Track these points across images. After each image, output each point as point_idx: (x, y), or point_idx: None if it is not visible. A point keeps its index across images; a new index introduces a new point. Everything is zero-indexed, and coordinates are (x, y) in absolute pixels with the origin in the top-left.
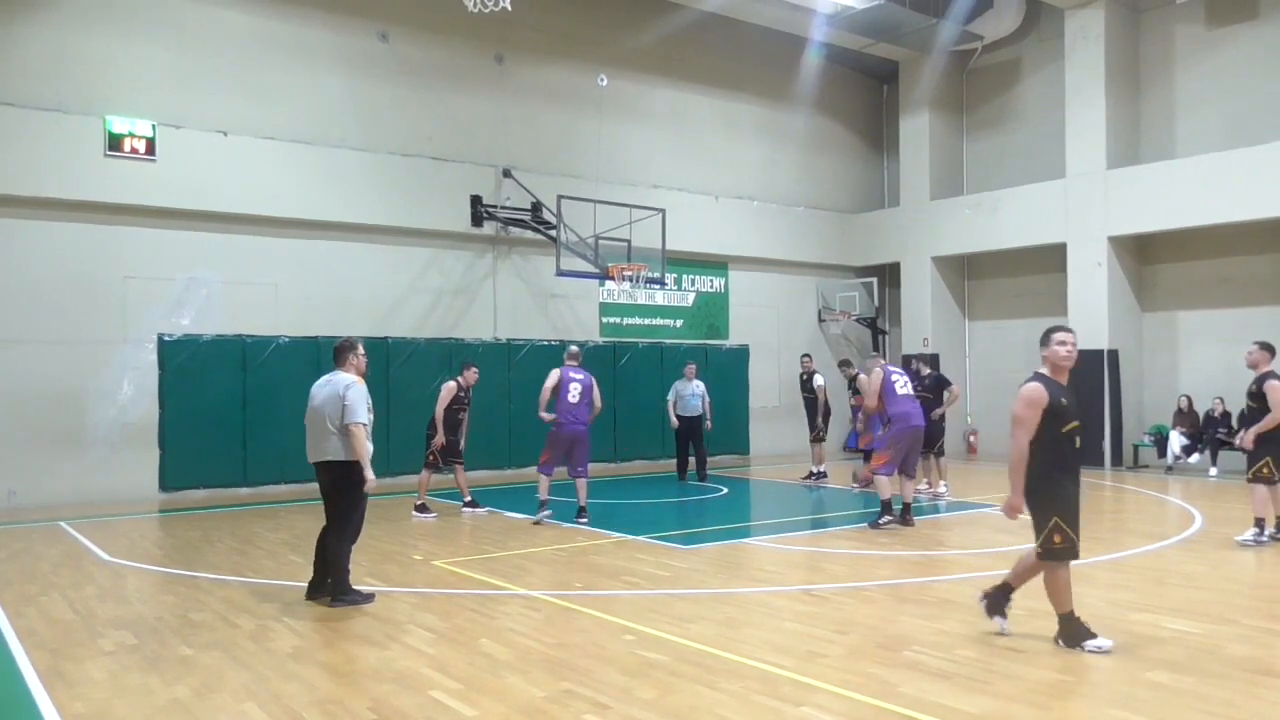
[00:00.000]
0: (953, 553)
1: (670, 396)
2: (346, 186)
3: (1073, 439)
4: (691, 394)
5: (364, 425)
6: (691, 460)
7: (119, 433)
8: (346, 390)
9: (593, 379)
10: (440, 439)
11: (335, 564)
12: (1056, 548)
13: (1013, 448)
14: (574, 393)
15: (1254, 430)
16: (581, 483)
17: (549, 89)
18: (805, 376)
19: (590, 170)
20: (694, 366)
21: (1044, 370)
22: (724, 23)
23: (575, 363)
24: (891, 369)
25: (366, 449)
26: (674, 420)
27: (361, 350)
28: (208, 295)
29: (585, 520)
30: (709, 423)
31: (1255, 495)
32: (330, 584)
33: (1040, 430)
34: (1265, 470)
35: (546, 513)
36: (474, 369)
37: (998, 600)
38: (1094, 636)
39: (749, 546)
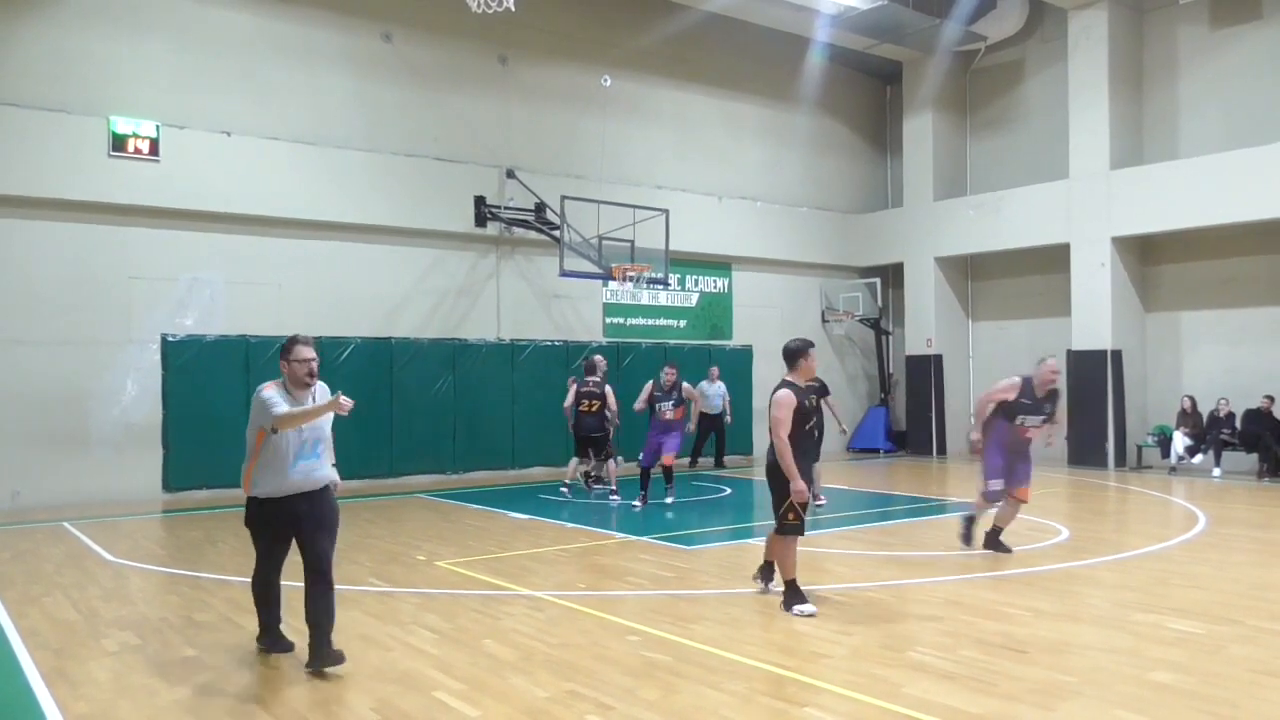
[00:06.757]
0: (956, 553)
1: None
2: (350, 187)
3: (812, 432)
4: (715, 394)
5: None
6: (706, 455)
7: (122, 433)
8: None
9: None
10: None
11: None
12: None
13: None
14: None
15: None
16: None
17: (552, 89)
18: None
19: (594, 171)
20: (717, 369)
21: (790, 378)
22: (727, 23)
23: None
24: None
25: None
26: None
27: (297, 352)
28: (211, 296)
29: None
30: (729, 418)
31: None
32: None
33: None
34: None
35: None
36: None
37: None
38: (805, 602)
39: (752, 547)
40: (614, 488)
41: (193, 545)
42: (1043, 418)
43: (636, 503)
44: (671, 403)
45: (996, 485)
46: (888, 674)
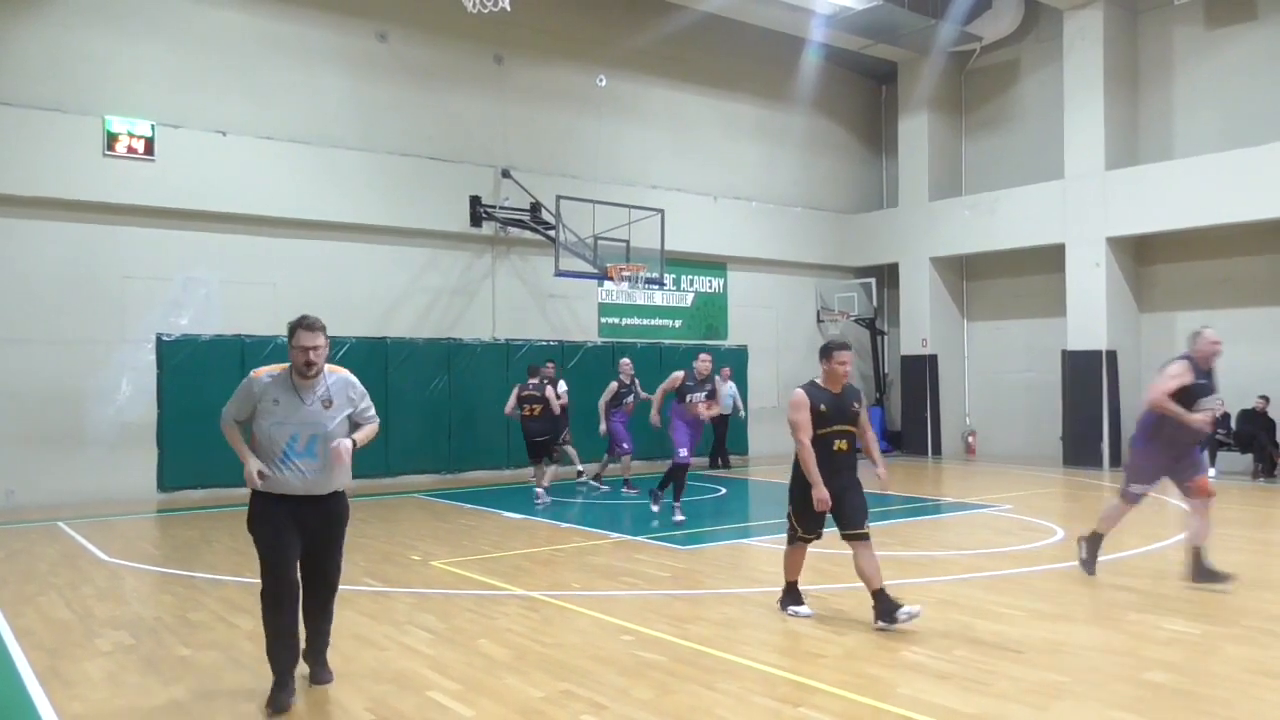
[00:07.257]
0: (951, 553)
1: None
2: (345, 186)
3: (830, 441)
4: (726, 393)
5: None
6: (704, 455)
7: (117, 432)
8: None
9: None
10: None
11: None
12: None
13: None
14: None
15: None
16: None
17: (548, 89)
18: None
19: (589, 170)
20: (729, 369)
21: (817, 380)
22: (723, 23)
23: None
24: None
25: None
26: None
27: (298, 338)
28: (206, 295)
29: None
30: (742, 413)
31: None
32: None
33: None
34: None
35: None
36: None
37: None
38: (802, 604)
39: (747, 547)
40: (541, 489)
41: (187, 545)
42: (1217, 395)
43: (659, 504)
44: (704, 395)
45: (1139, 489)
46: (883, 674)
